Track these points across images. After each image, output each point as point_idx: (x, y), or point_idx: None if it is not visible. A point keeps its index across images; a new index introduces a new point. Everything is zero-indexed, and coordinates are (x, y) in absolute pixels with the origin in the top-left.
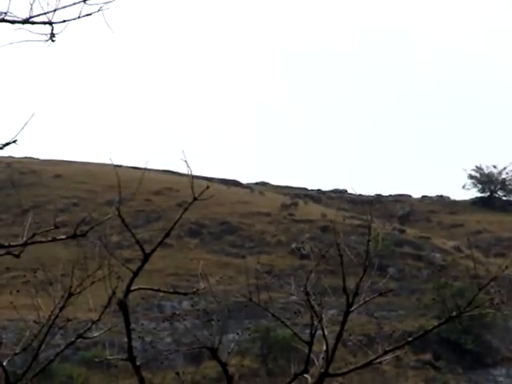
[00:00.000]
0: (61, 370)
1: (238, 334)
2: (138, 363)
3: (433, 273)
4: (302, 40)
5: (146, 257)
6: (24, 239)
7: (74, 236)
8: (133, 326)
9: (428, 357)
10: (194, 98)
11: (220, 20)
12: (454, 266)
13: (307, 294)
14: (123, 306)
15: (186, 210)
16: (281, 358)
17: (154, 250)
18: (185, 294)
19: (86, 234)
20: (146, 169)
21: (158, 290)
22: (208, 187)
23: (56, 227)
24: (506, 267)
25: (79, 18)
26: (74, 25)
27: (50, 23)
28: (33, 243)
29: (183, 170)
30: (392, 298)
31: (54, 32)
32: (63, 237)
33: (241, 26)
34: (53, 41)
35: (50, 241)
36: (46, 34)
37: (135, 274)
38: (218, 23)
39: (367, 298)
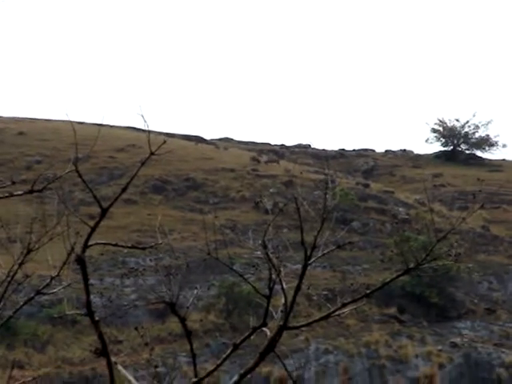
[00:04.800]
0: (25, 328)
1: (196, 288)
2: (96, 318)
3: (397, 225)
4: None
5: (104, 212)
6: None
7: (30, 192)
8: (97, 282)
9: (393, 311)
10: (157, 53)
11: None
12: (417, 220)
13: (265, 247)
14: (81, 261)
15: (142, 164)
16: (245, 313)
17: (110, 205)
18: (143, 249)
19: (43, 189)
20: (105, 125)
21: (116, 245)
22: (165, 142)
23: (13, 183)
24: (464, 219)
25: None
26: None
27: None
28: None
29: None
30: (357, 253)
31: None
32: (20, 192)
33: None
34: None
35: (6, 196)
36: None
37: (93, 229)
38: None
39: (325, 251)
